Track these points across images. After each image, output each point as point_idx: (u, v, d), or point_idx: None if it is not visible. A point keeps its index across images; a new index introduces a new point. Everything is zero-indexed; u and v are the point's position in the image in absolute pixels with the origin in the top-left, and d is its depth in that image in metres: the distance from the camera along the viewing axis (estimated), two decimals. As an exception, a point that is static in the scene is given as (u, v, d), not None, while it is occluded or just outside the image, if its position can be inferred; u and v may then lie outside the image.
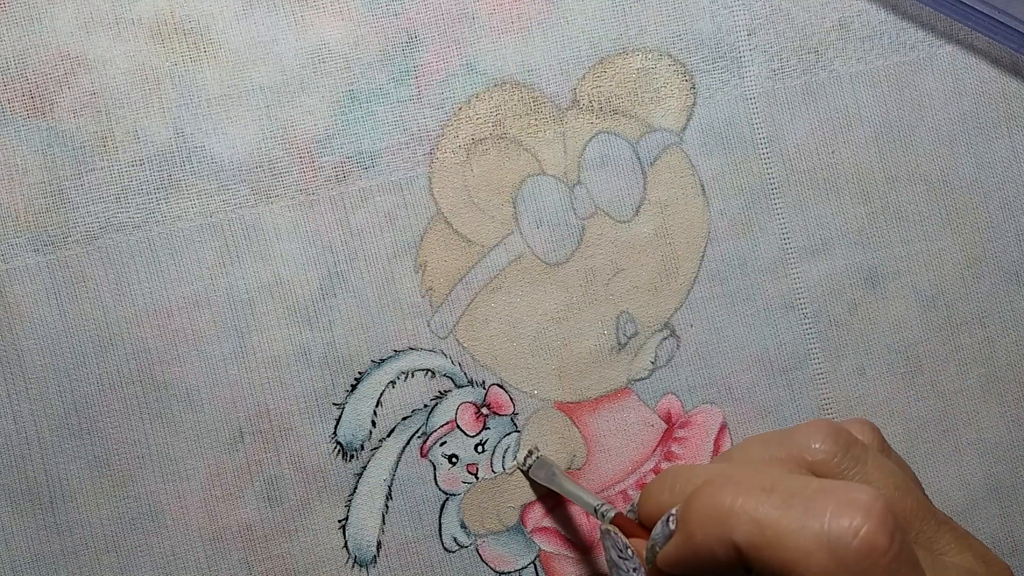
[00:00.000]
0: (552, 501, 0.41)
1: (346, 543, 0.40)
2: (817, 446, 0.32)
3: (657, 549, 0.31)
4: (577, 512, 0.41)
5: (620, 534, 0.33)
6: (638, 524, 0.33)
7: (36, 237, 0.39)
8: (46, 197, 0.39)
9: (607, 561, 0.33)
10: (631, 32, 0.42)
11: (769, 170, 0.42)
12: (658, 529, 0.31)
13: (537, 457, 0.41)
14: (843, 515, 0.27)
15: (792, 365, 0.42)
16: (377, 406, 0.40)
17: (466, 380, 0.41)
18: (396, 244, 0.41)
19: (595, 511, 0.35)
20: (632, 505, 0.34)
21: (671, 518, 0.31)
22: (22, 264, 0.39)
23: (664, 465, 0.42)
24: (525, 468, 0.41)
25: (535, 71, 0.41)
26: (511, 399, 0.41)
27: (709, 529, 0.29)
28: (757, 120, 0.42)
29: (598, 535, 0.41)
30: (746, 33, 0.42)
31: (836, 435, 0.32)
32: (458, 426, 0.41)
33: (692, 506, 0.30)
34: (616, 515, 0.34)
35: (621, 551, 0.32)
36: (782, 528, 0.28)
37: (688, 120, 0.42)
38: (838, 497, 0.28)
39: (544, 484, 0.40)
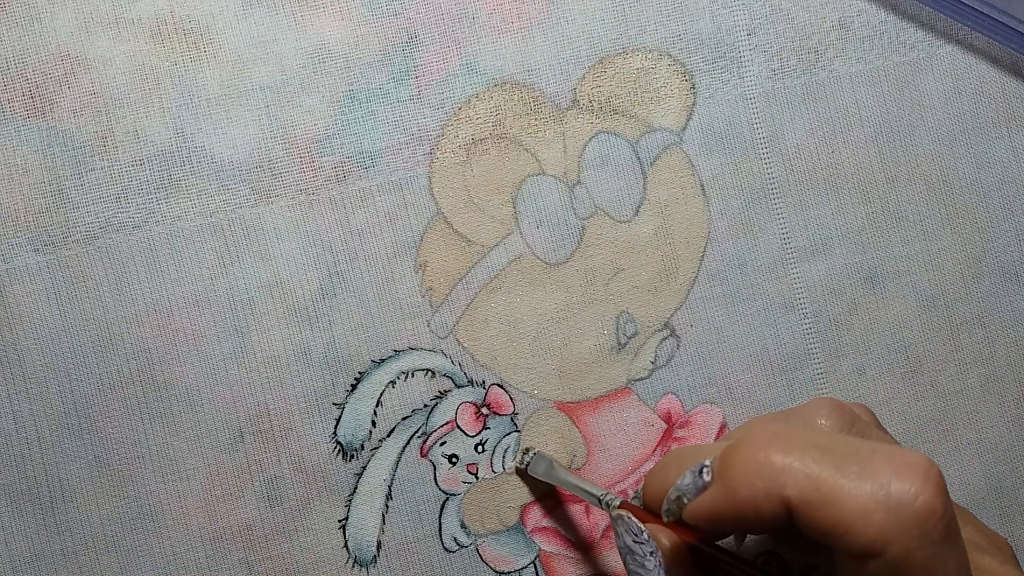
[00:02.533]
0: (552, 501, 0.41)
1: (346, 543, 0.40)
2: (823, 422, 0.32)
3: (685, 501, 0.30)
4: (577, 512, 0.41)
5: (634, 518, 0.32)
6: (645, 510, 0.33)
7: (36, 237, 0.39)
8: (46, 197, 0.39)
9: (620, 548, 0.33)
10: (631, 32, 0.42)
11: (769, 170, 0.42)
12: (687, 479, 0.30)
13: (535, 453, 0.40)
14: (903, 478, 0.27)
15: (792, 365, 0.42)
16: (377, 406, 0.40)
17: (466, 380, 0.41)
18: (396, 244, 0.41)
19: (599, 501, 0.35)
20: (637, 492, 0.34)
21: (705, 469, 0.30)
22: (22, 264, 0.39)
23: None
24: (523, 466, 0.41)
25: (535, 71, 0.41)
26: (511, 399, 0.41)
27: (756, 483, 0.28)
28: (757, 120, 0.42)
29: (598, 537, 0.41)
30: (746, 33, 0.42)
31: (840, 410, 0.32)
32: (458, 426, 0.41)
33: (734, 459, 0.29)
34: (621, 503, 0.34)
35: (636, 535, 0.32)
36: (839, 486, 0.27)
37: (688, 120, 0.42)
38: (895, 460, 0.27)
39: (544, 480, 0.40)
